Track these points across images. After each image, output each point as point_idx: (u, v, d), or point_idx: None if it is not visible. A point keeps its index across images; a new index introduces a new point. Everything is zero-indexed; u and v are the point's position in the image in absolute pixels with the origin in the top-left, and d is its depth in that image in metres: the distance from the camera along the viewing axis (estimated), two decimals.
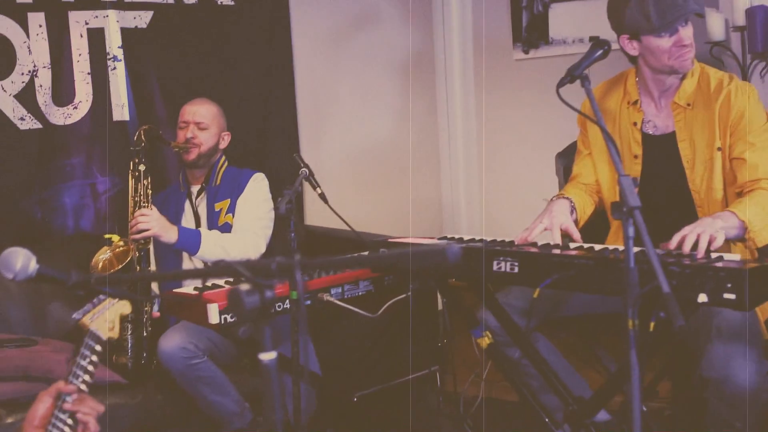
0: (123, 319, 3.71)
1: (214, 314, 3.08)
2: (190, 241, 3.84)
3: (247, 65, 4.90)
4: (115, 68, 4.48)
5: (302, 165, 3.50)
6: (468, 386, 3.65)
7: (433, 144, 5.70)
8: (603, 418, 3.27)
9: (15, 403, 3.49)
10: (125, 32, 4.50)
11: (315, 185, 3.51)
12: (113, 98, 4.49)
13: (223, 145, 4.16)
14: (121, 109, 4.51)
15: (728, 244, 3.11)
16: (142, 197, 3.86)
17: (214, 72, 4.77)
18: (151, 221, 3.76)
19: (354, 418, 3.94)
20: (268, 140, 5.01)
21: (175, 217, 4.03)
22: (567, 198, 3.29)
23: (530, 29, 5.17)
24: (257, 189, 4.07)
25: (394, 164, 5.56)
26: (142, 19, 4.54)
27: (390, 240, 3.43)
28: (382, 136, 5.51)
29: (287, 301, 3.12)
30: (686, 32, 3.09)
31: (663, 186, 3.21)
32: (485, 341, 3.28)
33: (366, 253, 3.24)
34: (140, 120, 4.53)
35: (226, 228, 3.99)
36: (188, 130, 4.04)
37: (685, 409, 3.79)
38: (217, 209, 4.04)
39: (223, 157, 4.17)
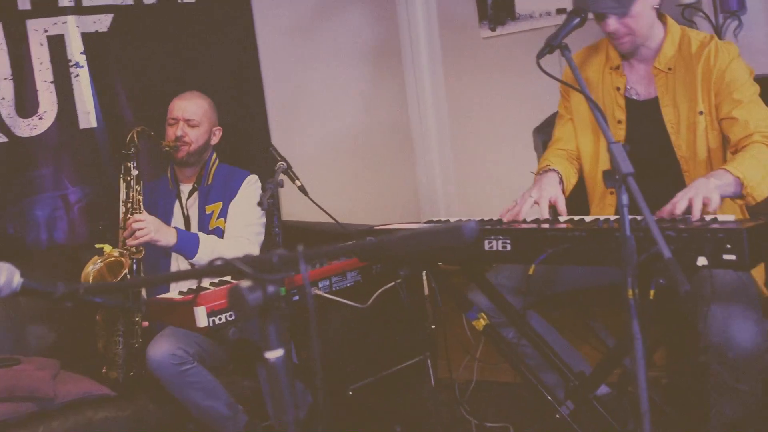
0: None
1: (201, 317, 3.02)
2: (188, 245, 3.74)
3: (212, 63, 4.83)
4: (78, 75, 4.40)
5: (279, 158, 3.43)
6: (461, 370, 3.61)
7: (405, 129, 5.66)
8: (602, 392, 3.25)
9: (2, 424, 3.41)
10: (86, 37, 4.41)
11: (294, 178, 3.45)
12: (78, 105, 4.41)
13: (214, 141, 4.04)
14: (87, 116, 4.42)
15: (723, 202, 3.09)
16: (134, 203, 3.73)
17: (178, 71, 4.70)
18: (147, 225, 3.64)
19: (350, 412, 3.89)
20: (240, 136, 4.93)
21: (164, 218, 3.90)
22: (555, 170, 3.26)
23: (495, 6, 5.12)
24: (250, 193, 3.95)
25: (368, 152, 5.51)
26: (102, 23, 4.45)
27: (376, 228, 3.38)
28: (353, 126, 5.46)
29: None
30: (612, 21, 3.05)
31: (648, 151, 3.17)
32: (481, 323, 3.24)
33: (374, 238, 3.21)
34: (108, 126, 4.46)
35: (217, 233, 3.88)
36: (178, 127, 3.91)
37: (683, 376, 3.77)
38: (208, 212, 3.93)
39: (215, 155, 4.06)
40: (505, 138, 5.18)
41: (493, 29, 5.13)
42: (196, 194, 3.98)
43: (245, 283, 1.45)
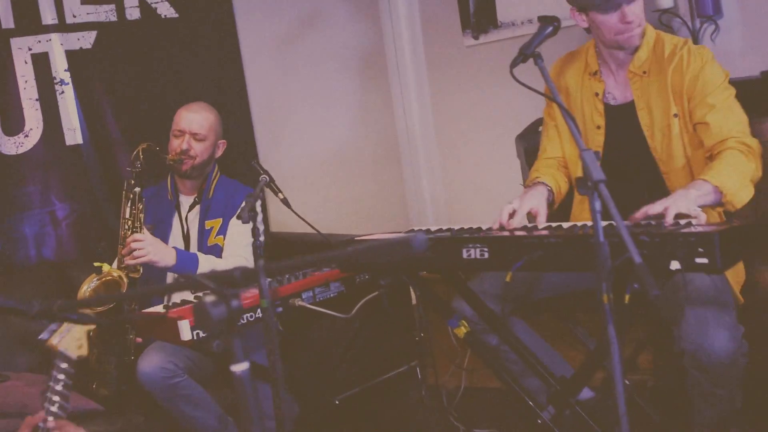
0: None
1: (185, 331, 3.04)
2: (187, 266, 3.70)
3: (197, 76, 4.83)
4: (63, 92, 4.41)
5: (261, 172, 3.44)
6: (449, 378, 3.63)
7: (392, 139, 5.66)
8: (586, 396, 3.27)
9: None
10: (70, 54, 4.43)
11: (276, 191, 3.45)
12: (64, 123, 4.42)
13: (218, 154, 4.03)
14: (73, 133, 4.43)
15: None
16: (135, 221, 3.71)
17: (164, 86, 4.70)
18: (146, 246, 3.62)
19: (337, 422, 3.91)
20: (226, 150, 4.95)
21: (162, 231, 3.91)
22: (544, 183, 3.28)
23: (478, 14, 5.14)
24: None
25: (355, 163, 5.52)
26: (86, 39, 4.47)
27: (357, 239, 3.40)
28: (340, 136, 5.47)
29: (258, 310, 3.08)
30: (631, 9, 3.06)
31: (627, 156, 3.20)
32: (462, 330, 3.26)
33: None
34: (93, 142, 4.47)
35: (216, 249, 3.87)
36: (183, 140, 3.89)
37: (668, 379, 3.78)
38: (207, 227, 3.91)
39: (217, 167, 4.05)
40: (491, 145, 5.18)
41: (476, 37, 5.14)
42: (197, 208, 3.97)
43: (209, 298, 1.48)
